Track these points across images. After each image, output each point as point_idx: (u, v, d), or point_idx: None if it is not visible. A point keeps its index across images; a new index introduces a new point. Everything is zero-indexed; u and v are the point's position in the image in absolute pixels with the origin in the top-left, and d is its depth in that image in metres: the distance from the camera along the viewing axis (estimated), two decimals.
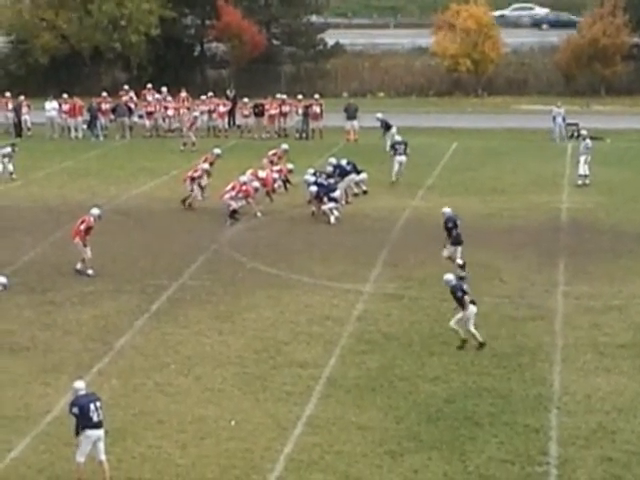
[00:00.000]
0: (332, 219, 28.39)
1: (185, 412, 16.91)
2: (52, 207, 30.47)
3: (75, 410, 14.73)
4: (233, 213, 28.45)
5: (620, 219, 28.81)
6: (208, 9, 56.81)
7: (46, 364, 18.70)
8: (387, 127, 37.65)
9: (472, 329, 19.34)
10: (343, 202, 29.78)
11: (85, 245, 24.01)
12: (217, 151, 32.44)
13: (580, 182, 32.73)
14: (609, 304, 21.68)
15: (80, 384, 15.14)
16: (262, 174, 30.19)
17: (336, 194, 28.89)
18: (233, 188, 28.75)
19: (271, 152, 32.43)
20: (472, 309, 19.37)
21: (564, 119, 42.03)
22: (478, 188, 32.06)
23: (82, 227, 24.07)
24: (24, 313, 21.33)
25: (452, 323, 19.49)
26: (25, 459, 15.55)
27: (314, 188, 28.85)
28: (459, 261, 23.35)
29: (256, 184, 29.29)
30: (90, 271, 23.93)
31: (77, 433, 14.74)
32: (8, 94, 44.63)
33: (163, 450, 15.74)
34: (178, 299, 22.17)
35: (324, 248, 26.04)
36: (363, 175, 31.32)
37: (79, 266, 24.00)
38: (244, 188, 28.71)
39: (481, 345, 19.27)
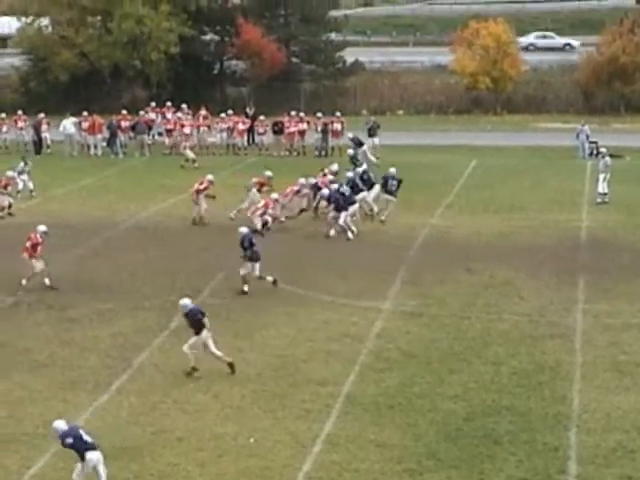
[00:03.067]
0: (332, 232, 28.45)
1: (204, 430, 16.87)
2: (71, 224, 30.56)
3: (69, 440, 14.52)
4: (264, 225, 28.47)
5: (639, 237, 28.69)
6: (228, 27, 57.15)
7: (65, 381, 18.71)
8: (359, 144, 38.20)
9: (216, 352, 18.99)
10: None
11: (35, 259, 24.00)
12: (210, 177, 31.77)
13: (599, 200, 32.65)
14: (628, 322, 21.55)
15: (59, 423, 14.85)
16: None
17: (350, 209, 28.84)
18: (265, 205, 28.73)
19: (255, 179, 31.68)
20: (205, 333, 18.95)
21: (587, 137, 42.02)
22: (497, 206, 32.02)
23: (28, 244, 24.12)
24: (43, 330, 21.37)
25: (185, 348, 19.07)
26: (44, 476, 15.54)
27: (326, 192, 28.97)
28: (269, 278, 23.74)
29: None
30: (24, 281, 23.94)
31: (82, 458, 14.61)
32: (20, 112, 44.97)
33: (182, 468, 15.70)
34: None
35: (343, 265, 26.02)
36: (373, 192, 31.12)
37: (47, 282, 24.02)
38: (269, 202, 28.82)
39: (231, 365, 18.94)
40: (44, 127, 43.84)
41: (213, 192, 30.86)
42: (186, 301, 19.53)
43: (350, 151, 37.23)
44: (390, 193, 30.40)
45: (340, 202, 28.78)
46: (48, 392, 18.26)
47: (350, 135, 39.60)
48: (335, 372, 19.03)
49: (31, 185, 34.65)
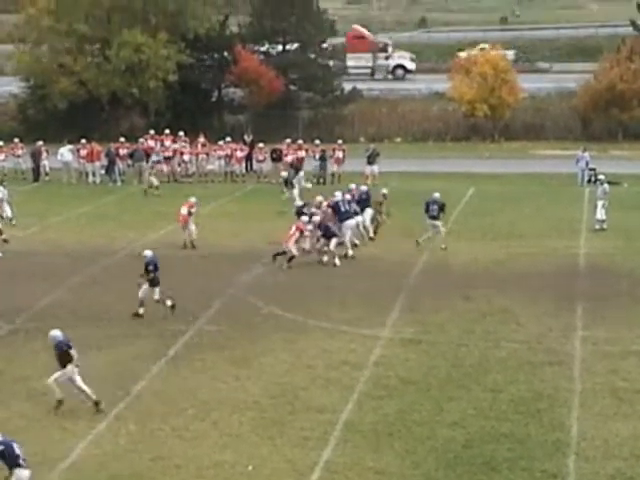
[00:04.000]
0: (324, 258, 28.60)
1: (202, 457, 16.85)
2: (69, 252, 30.62)
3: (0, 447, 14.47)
4: (291, 259, 28.47)
5: (638, 264, 28.69)
6: (226, 54, 57.41)
7: (63, 409, 18.64)
8: (297, 171, 38.87)
9: (83, 386, 18.76)
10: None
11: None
12: (193, 200, 31.98)
13: (598, 227, 32.73)
14: (627, 349, 21.57)
15: None
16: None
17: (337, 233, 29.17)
18: (298, 229, 28.68)
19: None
20: (70, 367, 18.66)
21: (587, 164, 42.18)
22: (495, 233, 32.09)
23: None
24: (40, 358, 21.22)
25: (50, 381, 18.78)
26: None
27: (317, 218, 29.12)
28: (168, 302, 23.79)
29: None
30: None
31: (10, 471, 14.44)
32: (17, 140, 45.11)
33: None
34: (195, 344, 22.18)
35: (341, 292, 26.04)
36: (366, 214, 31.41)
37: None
38: (301, 227, 28.83)
39: (97, 404, 18.63)
40: (43, 155, 43.97)
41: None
42: (56, 332, 19.17)
43: (284, 174, 38.14)
44: (433, 218, 30.51)
45: (329, 229, 28.93)
46: (46, 420, 18.25)
47: (289, 159, 40.53)
48: (334, 399, 19.02)
49: (9, 211, 34.54)
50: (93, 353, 21.59)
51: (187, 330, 23.02)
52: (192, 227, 31.08)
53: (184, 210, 31.13)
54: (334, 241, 28.89)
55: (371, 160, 42.13)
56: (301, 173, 39.73)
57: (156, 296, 23.86)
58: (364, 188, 32.73)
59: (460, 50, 64.82)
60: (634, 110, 53.63)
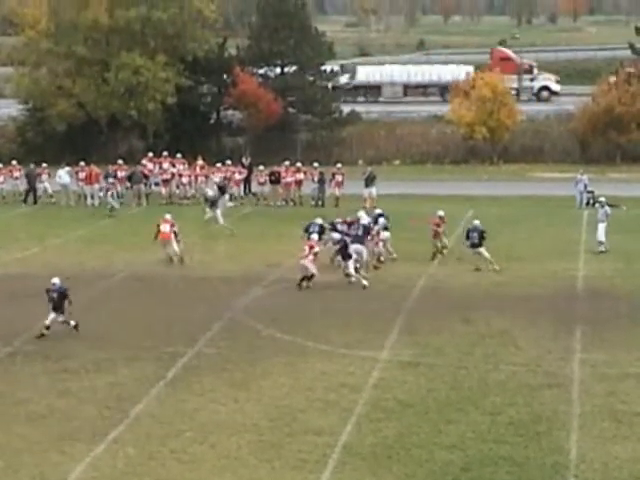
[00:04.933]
0: (352, 279, 28.77)
1: None
2: (68, 274, 30.40)
3: None
4: (311, 277, 28.55)
5: (637, 286, 28.76)
6: (224, 77, 57.61)
7: (62, 432, 18.69)
8: (223, 192, 39.47)
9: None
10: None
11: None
12: (168, 216, 32.58)
13: (602, 249, 32.82)
14: (626, 372, 21.61)
15: None
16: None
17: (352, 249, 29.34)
18: (310, 247, 28.75)
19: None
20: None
21: (585, 186, 42.30)
22: (494, 255, 32.00)
23: None
24: (40, 381, 21.38)
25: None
26: None
27: (337, 235, 29.47)
28: (72, 323, 24.15)
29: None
30: None
31: None
32: (15, 162, 45.24)
33: None
34: (194, 366, 22.20)
35: (340, 315, 26.08)
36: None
37: None
38: (313, 245, 28.94)
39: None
40: (44, 177, 44.00)
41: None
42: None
43: (210, 193, 38.53)
44: (474, 246, 30.64)
45: (347, 250, 29.10)
46: (45, 443, 18.24)
47: (217, 179, 41.28)
48: (332, 422, 19.02)
49: None
50: (92, 375, 21.67)
51: (186, 353, 23.01)
52: (176, 244, 31.52)
53: (166, 228, 31.58)
54: (351, 263, 28.98)
55: (368, 183, 42.28)
56: (226, 195, 40.05)
57: (60, 318, 24.24)
58: (441, 212, 32.62)
59: None
60: (632, 133, 53.87)
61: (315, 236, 29.54)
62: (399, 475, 16.91)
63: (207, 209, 37.68)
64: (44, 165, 44.61)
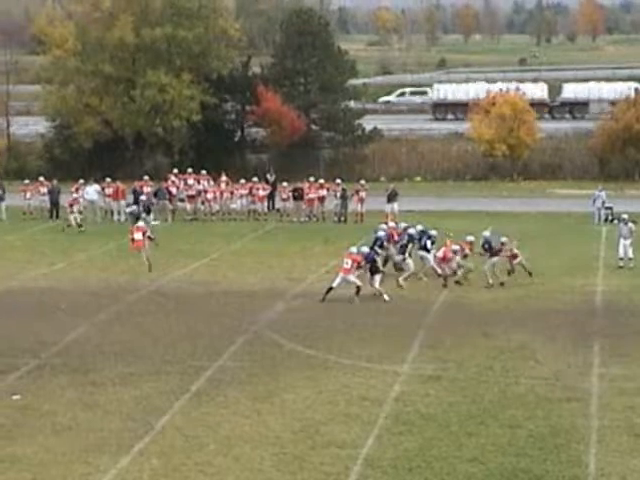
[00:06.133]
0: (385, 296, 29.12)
1: None
2: (94, 289, 30.98)
3: None
4: (358, 291, 28.90)
5: None
6: (248, 95, 58.05)
7: (88, 444, 18.80)
8: (148, 211, 39.89)
9: None
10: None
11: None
12: (141, 223, 34.51)
13: (629, 264, 32.98)
14: None
15: None
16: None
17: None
18: (354, 260, 29.01)
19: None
20: None
21: (603, 203, 42.44)
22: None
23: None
24: (66, 393, 21.56)
25: None
26: None
27: (366, 250, 29.73)
28: None
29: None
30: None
31: None
32: (41, 178, 45.79)
33: None
34: (218, 380, 22.34)
35: (362, 329, 26.27)
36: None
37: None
38: (354, 257, 29.19)
39: None
40: (80, 192, 44.43)
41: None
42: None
43: (134, 208, 39.85)
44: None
45: (376, 264, 29.41)
46: (71, 455, 18.34)
47: (143, 197, 42.13)
48: (354, 435, 19.08)
49: None
50: (117, 388, 21.83)
51: (210, 366, 23.18)
52: (148, 251, 32.80)
53: (139, 236, 32.71)
54: (378, 277, 29.29)
55: (390, 199, 42.66)
56: (151, 215, 40.36)
57: None
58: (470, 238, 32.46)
59: None
60: None
61: (354, 249, 29.81)
62: None
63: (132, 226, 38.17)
64: (81, 181, 45.07)
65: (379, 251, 31.32)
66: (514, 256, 31.48)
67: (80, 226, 40.75)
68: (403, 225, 33.58)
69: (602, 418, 19.87)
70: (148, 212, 40.18)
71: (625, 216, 35.17)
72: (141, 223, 34.31)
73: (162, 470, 17.74)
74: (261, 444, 18.74)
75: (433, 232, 32.51)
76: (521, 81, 72.86)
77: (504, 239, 31.99)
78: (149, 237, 33.18)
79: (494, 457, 18.07)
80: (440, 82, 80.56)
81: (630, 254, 33.33)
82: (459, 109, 69.59)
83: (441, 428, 19.46)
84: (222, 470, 17.71)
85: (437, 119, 66.17)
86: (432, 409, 20.48)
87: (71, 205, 41.67)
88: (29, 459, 18.17)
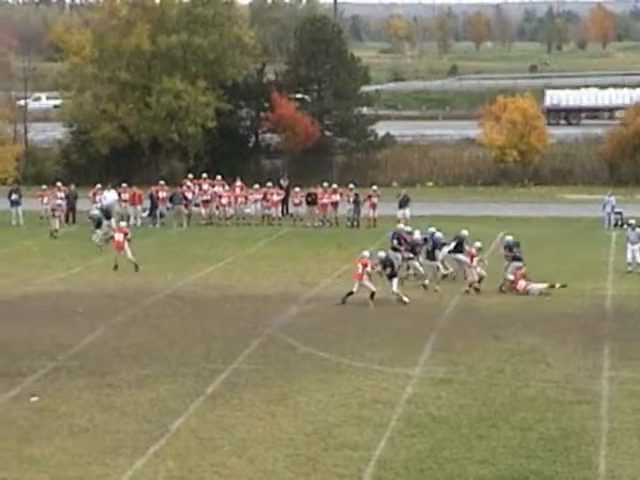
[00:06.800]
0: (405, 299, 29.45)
1: None
2: (111, 292, 31.25)
3: None
4: (372, 295, 29.14)
5: None
6: (263, 101, 58.37)
7: (104, 445, 18.93)
8: (108, 217, 40.20)
9: None
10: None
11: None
12: (123, 223, 35.98)
13: (630, 269, 33.13)
14: None
15: None
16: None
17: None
18: (364, 265, 29.25)
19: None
20: None
21: (613, 208, 42.61)
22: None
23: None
24: (83, 395, 21.73)
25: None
26: None
27: (383, 254, 29.96)
28: None
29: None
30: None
31: None
32: (59, 183, 46.18)
33: None
34: (232, 383, 22.50)
35: (375, 332, 26.48)
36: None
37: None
38: (363, 261, 29.43)
39: None
40: (97, 197, 44.78)
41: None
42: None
43: (96, 212, 39.96)
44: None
45: (393, 268, 29.67)
46: (88, 456, 18.44)
47: (105, 201, 42.51)
48: (367, 437, 19.19)
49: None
50: (134, 391, 22.01)
51: (225, 369, 23.36)
52: (129, 251, 33.73)
53: (119, 237, 33.97)
54: (395, 281, 29.54)
55: (402, 204, 42.92)
56: (112, 220, 40.44)
57: None
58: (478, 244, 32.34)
59: None
60: None
61: (366, 253, 30.05)
62: None
63: (92, 228, 38.92)
64: (98, 186, 45.44)
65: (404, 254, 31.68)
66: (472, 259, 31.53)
67: (56, 231, 41.36)
68: (431, 230, 33.38)
69: (612, 420, 19.96)
70: (108, 217, 40.23)
71: (632, 221, 35.32)
72: (123, 223, 35.80)
73: (177, 472, 17.85)
74: (275, 446, 18.86)
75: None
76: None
77: (478, 244, 32.06)
78: (128, 239, 34.34)
79: (505, 459, 18.16)
80: (553, 88, 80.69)
81: (638, 259, 33.46)
82: (572, 114, 72.41)
83: (452, 430, 19.56)
84: (236, 471, 17.83)
85: (550, 124, 66.14)
86: (443, 411, 20.60)
87: (53, 210, 42.36)
88: (47, 460, 18.29)
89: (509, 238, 32.20)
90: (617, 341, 25.41)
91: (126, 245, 34.10)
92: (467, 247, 31.69)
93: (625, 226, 35.71)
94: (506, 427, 19.68)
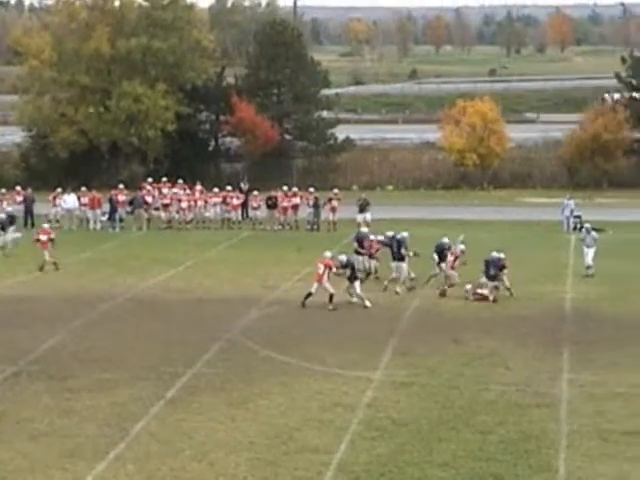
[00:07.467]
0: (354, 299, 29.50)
1: None
2: (71, 297, 31.06)
3: None
4: (331, 298, 29.15)
5: (623, 309, 29.27)
6: (222, 105, 58.36)
7: (64, 450, 18.85)
8: (11, 222, 39.74)
9: None
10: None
11: None
12: (46, 225, 36.27)
13: (589, 273, 33.37)
14: (613, 392, 21.92)
15: None
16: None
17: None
18: (326, 266, 29.22)
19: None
20: None
21: (572, 211, 42.98)
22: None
23: None
24: (43, 400, 21.60)
25: None
26: None
27: (344, 257, 29.93)
28: None
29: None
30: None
31: None
32: (18, 187, 45.87)
33: None
34: (193, 386, 22.47)
35: (335, 336, 26.52)
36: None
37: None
38: (326, 262, 29.41)
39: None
40: (57, 201, 44.54)
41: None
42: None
43: (2, 215, 39.92)
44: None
45: (354, 271, 29.74)
46: (48, 461, 18.37)
47: (9, 208, 42.40)
48: (327, 440, 19.22)
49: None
50: (94, 395, 21.91)
51: (185, 373, 23.31)
52: (48, 253, 34.30)
53: (43, 237, 34.67)
54: (357, 284, 29.62)
55: (362, 209, 43.04)
56: (14, 226, 39.97)
57: None
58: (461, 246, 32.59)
59: None
60: (618, 160, 54.98)
61: (328, 254, 30.08)
62: None
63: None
64: (58, 190, 45.17)
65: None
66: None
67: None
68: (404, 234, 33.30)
69: (572, 423, 20.08)
70: (11, 223, 39.79)
71: (588, 225, 35.64)
72: (46, 225, 36.48)
73: (137, 476, 17.80)
74: (235, 450, 18.85)
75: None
76: None
77: (462, 247, 32.30)
78: (51, 239, 34.99)
79: (465, 462, 18.22)
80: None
81: (589, 261, 33.61)
82: None
83: (413, 434, 19.61)
84: (197, 476, 17.80)
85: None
86: (404, 415, 20.65)
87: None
88: (5, 465, 18.19)
89: (445, 240, 32.19)
90: (576, 344, 25.59)
91: (49, 246, 34.71)
92: (451, 251, 31.66)
93: (583, 230, 35.99)
94: (466, 430, 19.75)
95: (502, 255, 30.96)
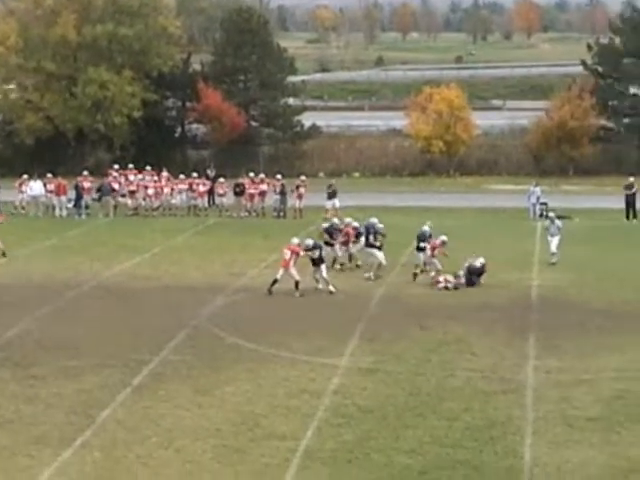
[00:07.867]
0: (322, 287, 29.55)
1: None
2: (36, 284, 30.91)
3: None
4: (297, 285, 29.16)
5: (588, 296, 29.43)
6: (189, 92, 58.21)
7: (30, 437, 18.82)
8: None
9: None
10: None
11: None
12: None
13: (554, 260, 33.52)
14: (578, 378, 22.04)
15: None
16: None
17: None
18: (293, 252, 29.20)
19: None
20: None
21: (538, 198, 43.18)
22: (450, 265, 32.53)
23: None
24: (9, 387, 21.54)
25: None
26: None
27: (310, 241, 30.02)
28: None
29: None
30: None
31: None
32: None
33: None
34: (159, 373, 22.45)
35: (302, 323, 26.53)
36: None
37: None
38: (292, 248, 29.42)
39: None
40: (23, 187, 44.17)
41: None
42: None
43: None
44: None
45: (321, 255, 29.79)
46: (13, 448, 18.34)
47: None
48: (294, 427, 19.26)
49: None
50: (60, 382, 21.85)
51: (151, 360, 23.26)
52: None
53: None
54: (323, 267, 29.63)
55: (331, 196, 43.06)
56: None
57: None
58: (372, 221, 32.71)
59: None
60: (584, 147, 55.25)
61: (295, 240, 30.06)
62: (359, 479, 17.15)
63: None
64: (24, 177, 44.83)
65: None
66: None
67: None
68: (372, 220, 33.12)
69: (537, 410, 20.18)
70: None
71: (552, 214, 35.81)
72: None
73: (104, 463, 17.79)
74: (202, 436, 18.86)
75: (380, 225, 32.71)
76: None
77: (444, 237, 32.12)
78: None
79: (431, 448, 18.29)
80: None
81: (554, 249, 33.69)
82: None
83: (379, 420, 19.67)
84: (163, 462, 17.80)
85: None
86: (370, 402, 20.70)
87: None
88: None
89: (425, 228, 32.35)
90: (542, 331, 25.68)
91: None
92: (430, 240, 31.72)
93: (547, 219, 36.17)
94: (433, 417, 19.82)
95: (482, 260, 31.12)
